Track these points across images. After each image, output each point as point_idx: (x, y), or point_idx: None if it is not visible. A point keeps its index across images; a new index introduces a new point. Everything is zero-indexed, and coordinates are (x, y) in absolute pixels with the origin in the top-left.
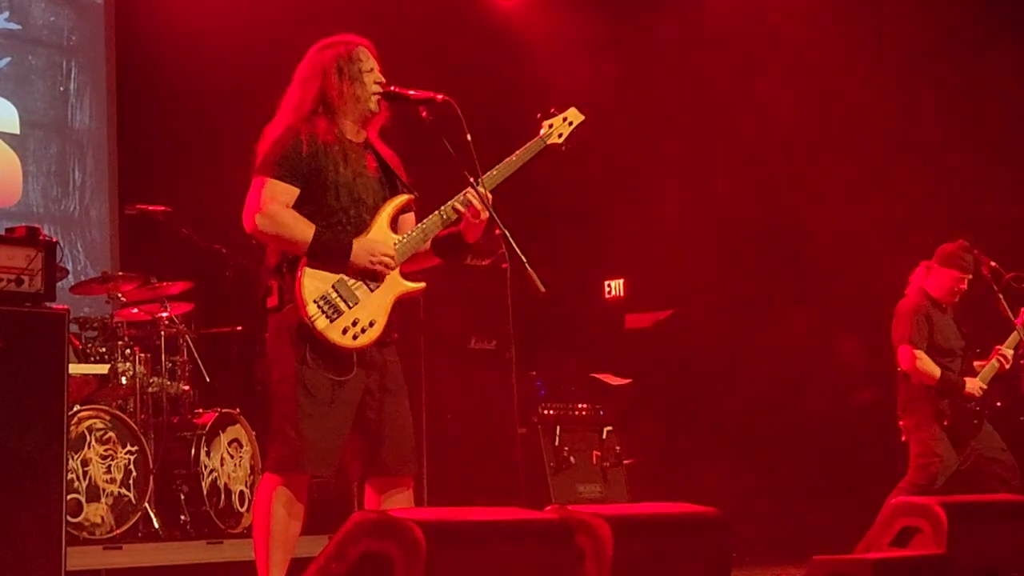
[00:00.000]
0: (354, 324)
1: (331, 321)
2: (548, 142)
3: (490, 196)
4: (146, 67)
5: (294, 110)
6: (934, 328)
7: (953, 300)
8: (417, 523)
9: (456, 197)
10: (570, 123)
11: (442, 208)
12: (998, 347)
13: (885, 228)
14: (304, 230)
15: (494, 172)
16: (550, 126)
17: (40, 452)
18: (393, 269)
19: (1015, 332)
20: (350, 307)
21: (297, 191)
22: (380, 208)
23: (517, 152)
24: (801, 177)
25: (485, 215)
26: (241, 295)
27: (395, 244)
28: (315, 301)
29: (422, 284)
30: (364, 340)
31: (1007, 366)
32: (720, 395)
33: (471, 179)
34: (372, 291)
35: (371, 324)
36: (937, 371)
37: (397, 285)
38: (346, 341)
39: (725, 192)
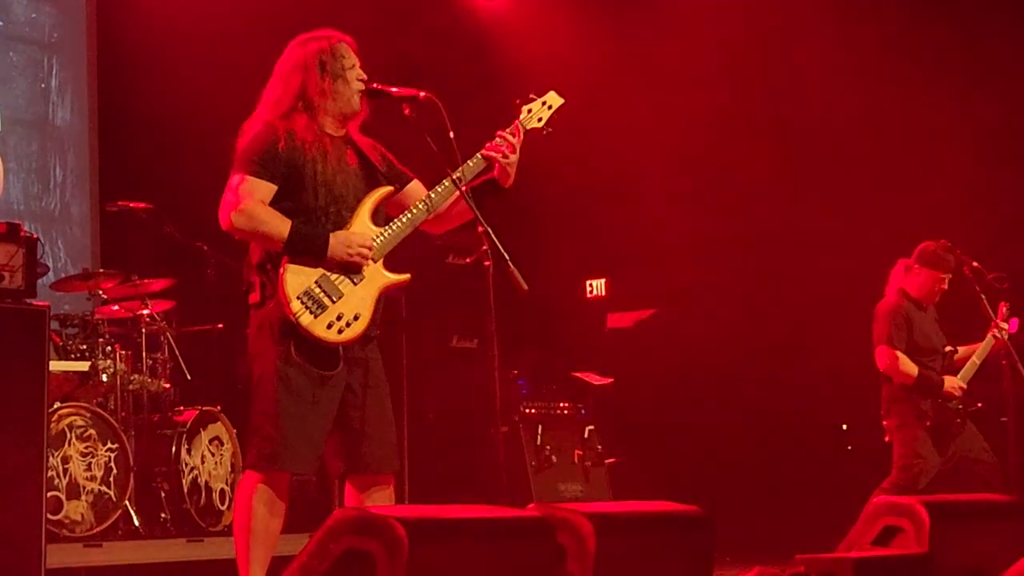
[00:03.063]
0: (339, 318)
1: (315, 317)
2: (528, 127)
3: (521, 134)
4: (127, 64)
5: (273, 105)
6: (914, 328)
7: (934, 300)
8: (399, 520)
9: (481, 151)
10: (549, 107)
11: (426, 196)
12: (994, 323)
13: (868, 227)
14: (280, 225)
15: (472, 163)
16: (529, 111)
17: (20, 449)
18: (371, 260)
19: (992, 333)
20: (334, 302)
21: (274, 188)
22: (360, 203)
23: (491, 141)
24: (785, 177)
25: (516, 156)
26: (222, 292)
27: (376, 237)
28: (299, 297)
29: (406, 276)
30: (350, 334)
31: (1006, 336)
32: (702, 394)
33: (451, 172)
34: (356, 284)
35: (356, 318)
36: (915, 370)
37: (380, 278)
38: (331, 336)
39: (708, 192)
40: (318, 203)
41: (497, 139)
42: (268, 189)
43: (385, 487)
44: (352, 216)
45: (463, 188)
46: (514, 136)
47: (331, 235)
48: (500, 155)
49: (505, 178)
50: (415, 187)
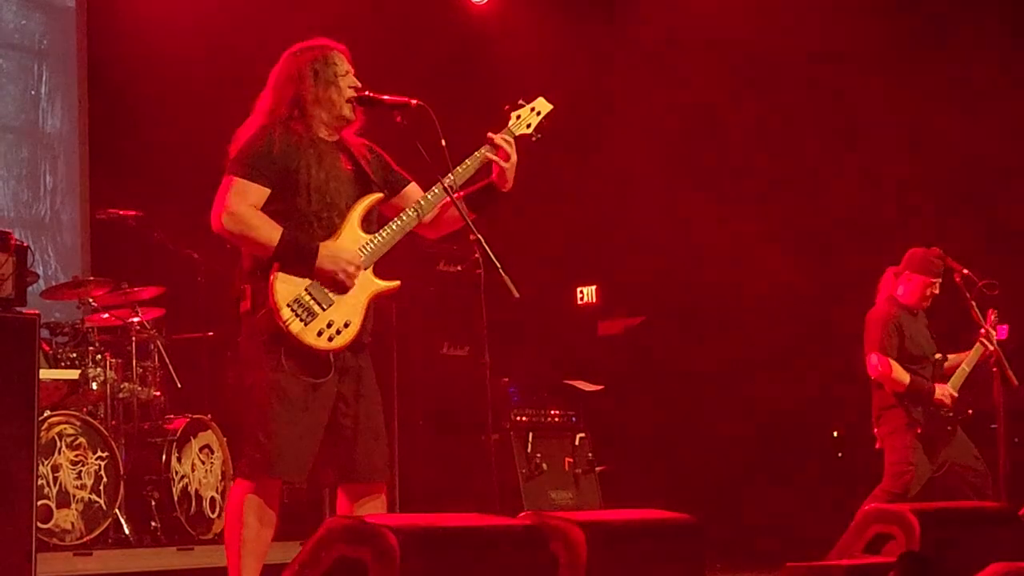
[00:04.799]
0: (329, 326)
1: (305, 324)
2: (517, 133)
3: (514, 142)
4: (118, 71)
5: (268, 113)
6: (905, 335)
7: (924, 305)
8: (391, 529)
9: (480, 148)
10: (538, 113)
11: (416, 203)
12: (982, 331)
13: (860, 234)
14: (271, 232)
15: (461, 168)
16: (518, 117)
17: (10, 458)
18: (357, 276)
19: (980, 340)
20: (324, 309)
21: (267, 192)
22: (350, 209)
23: (486, 145)
24: (776, 183)
25: (515, 160)
26: (213, 300)
27: (364, 246)
28: (289, 305)
29: (396, 283)
30: (340, 341)
31: (991, 347)
32: (692, 402)
33: (440, 178)
34: (345, 292)
35: (346, 325)
36: (907, 377)
37: (370, 285)
38: (321, 343)
39: (697, 199)
40: (310, 208)
41: (495, 142)
42: (260, 192)
43: (377, 496)
44: (343, 222)
45: (454, 194)
46: (507, 143)
47: (321, 246)
48: (501, 158)
49: (504, 182)
50: (412, 190)
